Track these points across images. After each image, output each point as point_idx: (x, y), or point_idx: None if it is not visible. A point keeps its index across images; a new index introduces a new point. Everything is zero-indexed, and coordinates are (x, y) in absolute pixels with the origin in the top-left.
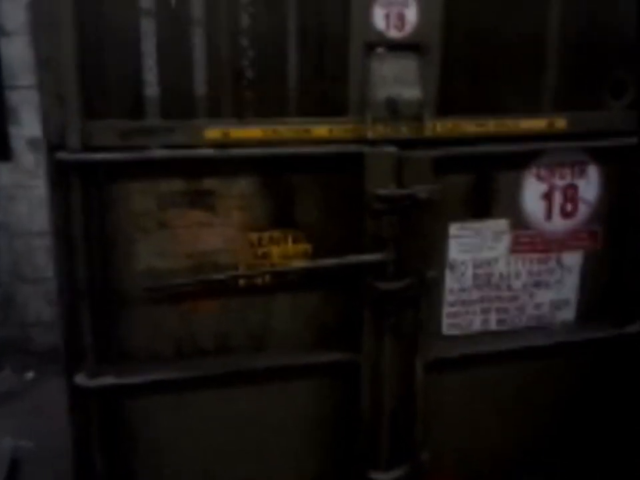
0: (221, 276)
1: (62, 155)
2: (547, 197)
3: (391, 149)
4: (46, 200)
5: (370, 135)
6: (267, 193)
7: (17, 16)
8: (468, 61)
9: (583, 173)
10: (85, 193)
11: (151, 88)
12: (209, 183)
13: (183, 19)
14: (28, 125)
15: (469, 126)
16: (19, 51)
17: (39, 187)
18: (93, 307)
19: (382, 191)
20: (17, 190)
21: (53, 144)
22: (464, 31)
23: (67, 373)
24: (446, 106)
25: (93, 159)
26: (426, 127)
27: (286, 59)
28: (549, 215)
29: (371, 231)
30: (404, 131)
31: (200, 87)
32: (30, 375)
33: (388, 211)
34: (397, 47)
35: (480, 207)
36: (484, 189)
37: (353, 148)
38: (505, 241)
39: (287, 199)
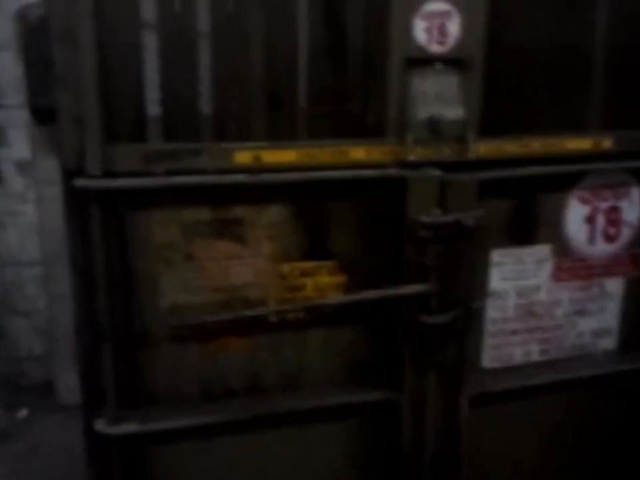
0: (251, 313)
1: (81, 182)
2: (590, 220)
3: (434, 172)
4: (37, 226)
5: (411, 157)
6: (299, 221)
7: (3, 30)
8: (511, 77)
9: (626, 194)
10: (105, 223)
11: (181, 110)
12: (237, 211)
13: (216, 37)
14: (17, 147)
15: (513, 147)
16: (7, 68)
17: (29, 213)
18: (115, 347)
19: (426, 218)
20: (5, 216)
21: (70, 170)
22: (507, 45)
23: (86, 419)
24: (489, 125)
25: (115, 186)
26: (470, 149)
27: (320, 77)
28: (591, 239)
29: (412, 260)
30: (446, 152)
31: (230, 106)
32: (23, 412)
33: (432, 239)
34: (438, 62)
35: (522, 232)
36: (527, 213)
37: (393, 171)
38: (547, 268)
39: (320, 227)
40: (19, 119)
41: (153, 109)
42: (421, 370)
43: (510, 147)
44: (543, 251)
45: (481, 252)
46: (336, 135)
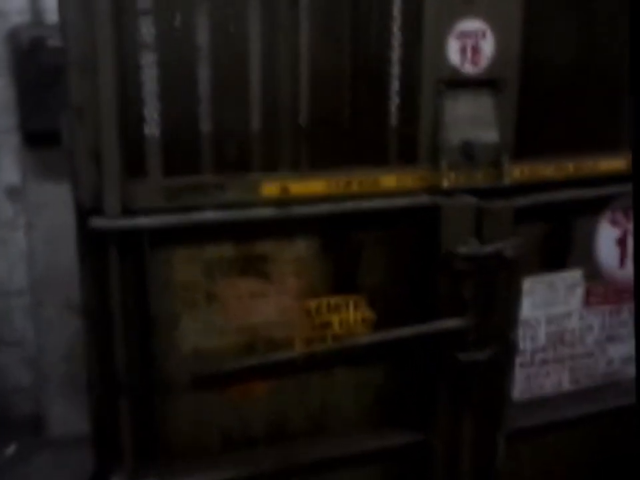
0: (278, 357)
1: (99, 222)
2: (621, 242)
3: (470, 200)
4: (27, 255)
5: (445, 183)
6: (326, 255)
7: None
8: (544, 97)
9: None
10: (123, 265)
11: (202, 139)
12: (262, 247)
13: (238, 63)
14: (6, 172)
15: (547, 170)
16: None
17: (18, 241)
18: (132, 399)
19: (464, 250)
20: None
21: (86, 208)
22: (540, 64)
23: (100, 475)
24: (522, 148)
25: (137, 226)
26: (504, 173)
27: (351, 102)
28: (622, 262)
29: (448, 293)
30: (480, 178)
31: (255, 135)
32: (11, 449)
33: (470, 271)
34: (472, 83)
35: (554, 257)
36: (559, 237)
37: (427, 200)
38: (578, 294)
39: (348, 260)
40: (8, 143)
41: (175, 141)
42: (456, 410)
43: (544, 169)
44: (574, 276)
45: (515, 281)
46: (366, 162)
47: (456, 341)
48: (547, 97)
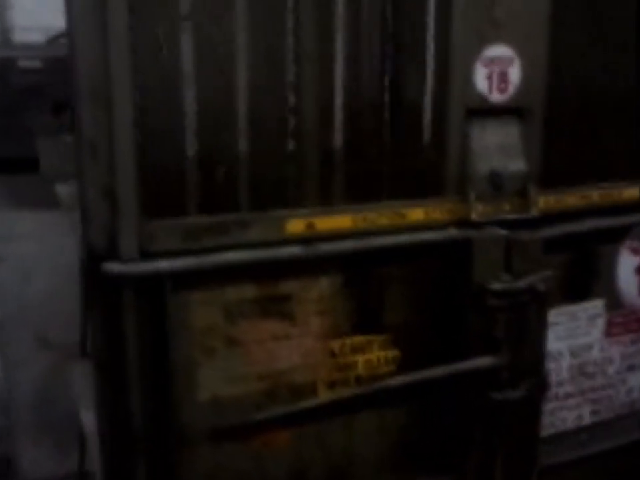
0: (301, 405)
1: (114, 267)
2: None
3: (500, 232)
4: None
5: (473, 215)
6: (350, 292)
7: None
8: (570, 124)
9: None
10: (139, 312)
11: (222, 174)
12: (285, 287)
13: (267, 91)
14: None
15: (573, 199)
16: None
17: None
18: (148, 452)
19: (497, 286)
20: None
21: (98, 252)
22: (565, 91)
23: None
24: (548, 177)
25: (156, 270)
26: (532, 204)
27: (378, 132)
28: None
29: (479, 330)
30: (507, 208)
31: (281, 170)
32: None
33: (503, 307)
34: (499, 112)
35: (577, 288)
36: (583, 267)
37: (456, 233)
38: (600, 324)
39: (372, 297)
40: None
41: (196, 179)
42: (488, 450)
43: (569, 198)
44: (596, 306)
45: (544, 314)
46: (393, 195)
47: (488, 380)
48: (571, 125)
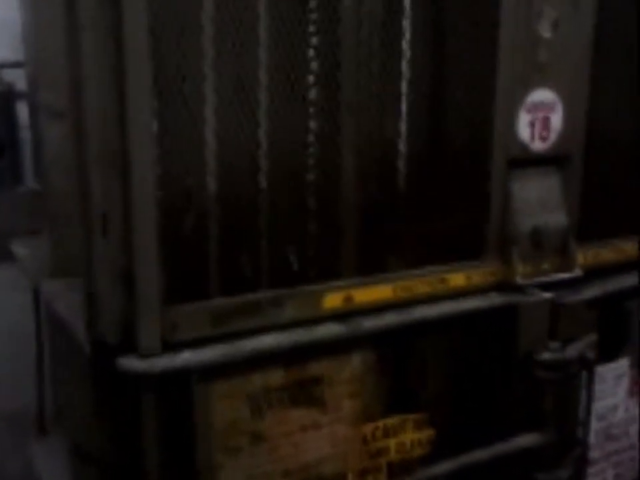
0: None
1: (131, 364)
2: None
3: (546, 296)
4: None
5: (517, 278)
6: (383, 369)
7: None
8: (607, 173)
9: None
10: (159, 410)
11: (254, 249)
12: (315, 368)
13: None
14: None
15: (610, 253)
16: None
17: None
18: None
19: (545, 356)
20: None
21: (111, 344)
22: (603, 137)
23: None
24: (586, 230)
25: (181, 365)
26: (574, 261)
27: (418, 192)
28: None
29: (524, 404)
30: (546, 267)
31: (316, 241)
32: None
33: (553, 379)
34: (540, 161)
35: (609, 348)
36: (616, 326)
37: (500, 300)
38: (624, 384)
39: (408, 372)
40: None
41: (223, 253)
42: None
43: (606, 253)
44: (622, 365)
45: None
46: (433, 260)
47: (533, 458)
48: (606, 174)
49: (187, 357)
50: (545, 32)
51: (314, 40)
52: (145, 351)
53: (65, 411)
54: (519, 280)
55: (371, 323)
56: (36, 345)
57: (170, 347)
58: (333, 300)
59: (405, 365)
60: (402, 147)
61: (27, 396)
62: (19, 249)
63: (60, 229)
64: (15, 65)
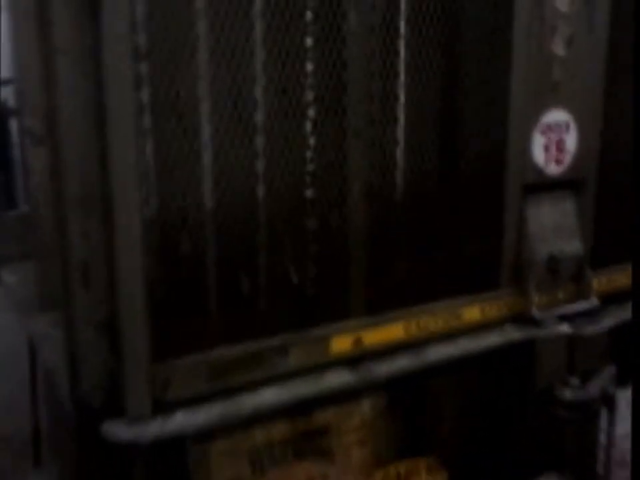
0: None
1: (117, 430)
2: None
3: (564, 329)
4: None
5: (535, 312)
6: (394, 413)
7: None
8: (618, 195)
9: None
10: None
11: (254, 292)
12: (322, 417)
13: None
14: None
15: (622, 278)
16: None
17: None
18: None
19: (567, 394)
20: None
21: (94, 406)
22: (615, 158)
23: None
24: (599, 255)
25: (176, 429)
26: (590, 290)
27: (430, 221)
28: None
29: (543, 443)
30: (561, 296)
31: (322, 277)
32: None
33: (574, 419)
34: (555, 185)
35: (621, 373)
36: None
37: (518, 334)
38: None
39: (420, 415)
40: None
41: (220, 299)
42: None
43: (620, 278)
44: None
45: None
46: (447, 294)
47: None
48: (620, 194)
49: (180, 421)
50: (559, 49)
51: (315, 59)
52: (133, 414)
53: (54, 457)
54: (536, 312)
55: (383, 369)
56: (29, 367)
57: (161, 407)
58: (341, 343)
59: (418, 406)
60: (412, 175)
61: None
62: (8, 276)
63: (45, 261)
64: (8, 81)
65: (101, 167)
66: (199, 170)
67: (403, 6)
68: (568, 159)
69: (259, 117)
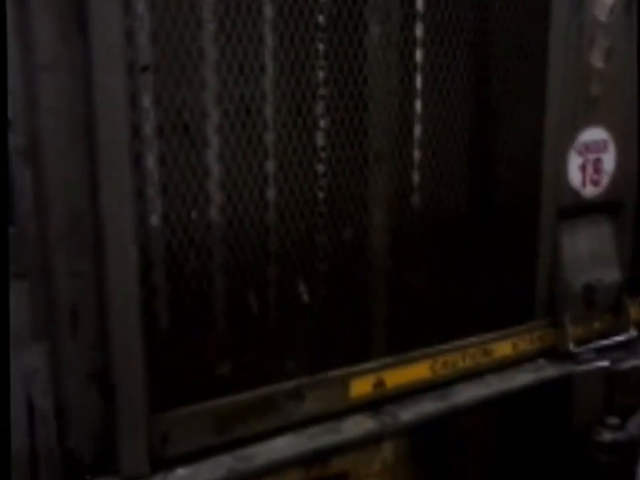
0: None
1: None
2: None
3: (602, 364)
4: None
5: (571, 346)
6: (418, 457)
7: None
8: None
9: None
10: None
11: (264, 330)
12: (340, 464)
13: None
14: None
15: None
16: None
17: None
18: None
19: (605, 436)
20: None
21: (84, 463)
22: None
23: None
24: (636, 282)
25: None
26: (629, 320)
27: (455, 254)
28: None
29: None
30: (597, 327)
31: (341, 314)
32: None
33: (614, 462)
34: (591, 209)
35: None
36: None
37: (553, 371)
38: None
39: (445, 458)
40: None
41: (227, 342)
42: None
43: None
44: None
45: None
46: (476, 328)
47: None
48: None
49: (182, 478)
50: (598, 62)
51: (330, 71)
52: (128, 473)
53: None
54: (572, 347)
55: (407, 415)
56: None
57: (160, 464)
58: (361, 386)
59: (443, 449)
60: (439, 202)
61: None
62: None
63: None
64: None
65: (91, 198)
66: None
67: (427, 19)
68: (605, 180)
69: (270, 137)
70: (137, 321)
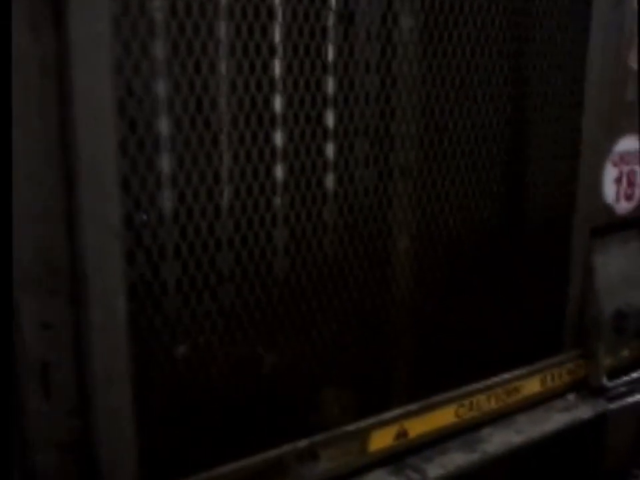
0: None
1: None
2: None
3: (637, 399)
4: None
5: (605, 381)
6: None
7: None
8: None
9: None
10: None
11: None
12: None
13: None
14: None
15: None
16: None
17: None
18: None
19: None
20: None
21: None
22: None
23: None
24: None
25: None
26: None
27: (478, 282)
28: None
29: None
30: (626, 354)
31: (358, 360)
32: None
33: None
34: (623, 226)
35: None
36: None
37: (589, 411)
38: None
39: None
40: None
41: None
42: None
43: None
44: None
45: None
46: (502, 365)
47: None
48: None
49: None
50: (634, 63)
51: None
52: None
53: None
54: (606, 381)
55: (437, 470)
56: None
57: None
58: (381, 439)
59: None
60: (466, 223)
61: None
62: None
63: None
64: None
65: (68, 233)
66: None
67: (460, 22)
68: (638, 193)
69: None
70: (125, 382)
